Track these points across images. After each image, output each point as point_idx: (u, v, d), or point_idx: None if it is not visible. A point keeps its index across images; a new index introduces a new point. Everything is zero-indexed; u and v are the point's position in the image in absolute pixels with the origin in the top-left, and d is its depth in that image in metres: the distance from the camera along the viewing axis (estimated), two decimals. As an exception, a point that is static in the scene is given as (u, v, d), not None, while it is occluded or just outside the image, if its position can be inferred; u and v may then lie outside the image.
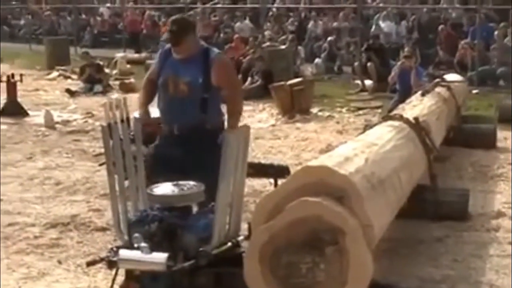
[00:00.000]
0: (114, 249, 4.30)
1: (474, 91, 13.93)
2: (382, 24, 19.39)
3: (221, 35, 22.48)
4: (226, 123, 5.61)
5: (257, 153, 9.43)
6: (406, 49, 15.14)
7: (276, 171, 7.16)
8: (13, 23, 30.93)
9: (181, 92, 5.52)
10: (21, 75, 13.91)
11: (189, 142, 5.43)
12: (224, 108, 5.76)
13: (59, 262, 5.79)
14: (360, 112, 13.11)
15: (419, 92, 9.15)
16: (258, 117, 12.93)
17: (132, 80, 16.80)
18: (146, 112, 5.76)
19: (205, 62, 5.55)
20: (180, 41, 5.57)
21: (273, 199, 4.16)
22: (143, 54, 21.56)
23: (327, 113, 12.94)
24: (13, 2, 32.58)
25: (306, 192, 4.05)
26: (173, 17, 5.81)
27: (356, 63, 16.58)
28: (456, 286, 5.26)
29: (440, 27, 18.15)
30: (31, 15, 30.04)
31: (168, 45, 5.78)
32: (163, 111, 5.67)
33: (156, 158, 5.57)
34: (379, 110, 12.74)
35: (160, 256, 4.07)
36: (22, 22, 30.22)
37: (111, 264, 4.28)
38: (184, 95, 5.51)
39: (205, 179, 4.67)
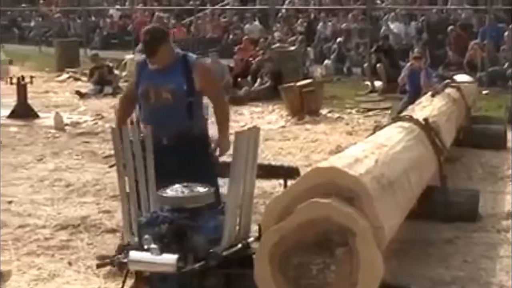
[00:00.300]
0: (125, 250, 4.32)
1: (484, 92, 13.91)
2: (391, 26, 19.36)
3: (231, 36, 22.50)
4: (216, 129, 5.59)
5: (267, 155, 9.44)
6: (416, 50, 15.13)
7: (286, 172, 7.16)
8: (23, 25, 31.04)
9: (165, 101, 5.39)
10: (31, 77, 13.97)
11: (179, 150, 5.31)
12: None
13: (70, 263, 5.81)
14: (370, 113, 13.11)
15: (429, 93, 9.15)
16: (267, 118, 12.94)
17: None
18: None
19: (185, 68, 5.43)
20: (155, 51, 5.39)
21: (283, 200, 4.17)
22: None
23: (336, 114, 12.94)
24: (23, 5, 32.66)
25: (316, 193, 4.05)
26: (145, 28, 5.68)
27: (365, 64, 16.57)
28: (466, 287, 5.25)
29: (450, 28, 18.11)
30: (41, 17, 30.12)
31: (143, 56, 5.63)
32: (147, 122, 5.38)
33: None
34: (389, 111, 12.73)
35: (170, 258, 4.07)
36: (32, 24, 30.31)
37: (121, 265, 4.29)
38: (169, 103, 5.39)
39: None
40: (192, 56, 5.64)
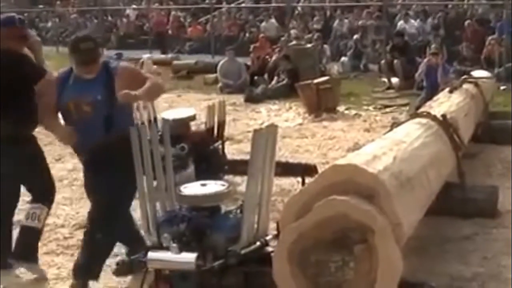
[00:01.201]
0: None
1: (502, 87, 13.83)
2: (404, 24, 19.27)
3: (247, 34, 22.51)
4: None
5: (284, 152, 9.43)
6: (433, 46, 15.07)
7: (304, 170, 7.18)
8: (41, 26, 31.17)
9: (85, 114, 5.07)
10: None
11: (96, 166, 5.09)
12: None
13: (89, 262, 5.83)
14: (387, 109, 13.06)
15: (447, 89, 9.10)
16: (285, 116, 12.93)
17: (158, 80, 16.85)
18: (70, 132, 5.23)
19: (106, 76, 5.12)
20: (96, 59, 5.16)
21: (302, 198, 4.16)
22: (169, 55, 21.65)
23: (353, 111, 12.91)
24: (40, 5, 32.82)
25: (334, 190, 4.05)
26: (81, 36, 5.37)
27: (382, 61, 16.52)
28: (486, 283, 5.23)
29: (467, 22, 18.03)
30: (58, 17, 30.25)
31: (65, 69, 5.36)
32: None
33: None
34: (406, 108, 12.69)
35: (189, 256, 4.09)
36: (49, 24, 30.44)
37: (141, 264, 4.31)
38: (88, 116, 5.07)
39: (101, 200, 4.89)
40: (113, 62, 5.37)
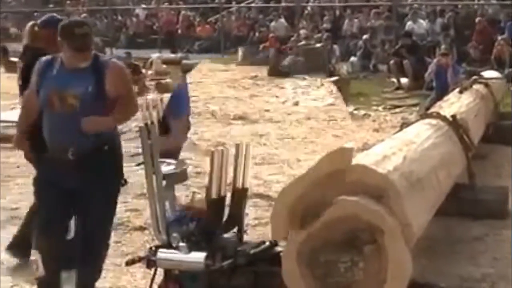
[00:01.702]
0: (153, 248, 4.35)
1: (512, 88, 13.79)
2: (413, 25, 19.22)
3: (256, 34, 22.51)
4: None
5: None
6: (442, 47, 15.05)
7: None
8: (50, 25, 31.20)
9: (71, 108, 4.60)
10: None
11: (86, 168, 4.64)
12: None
13: (98, 261, 5.83)
14: (397, 110, 13.05)
15: (457, 90, 9.08)
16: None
17: (168, 80, 16.89)
18: (22, 141, 4.96)
19: (96, 69, 4.66)
20: (91, 46, 4.69)
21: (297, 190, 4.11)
22: (179, 54, 21.67)
23: (363, 112, 12.90)
24: (50, 5, 32.89)
25: (343, 191, 4.03)
26: (74, 20, 4.97)
27: (391, 61, 16.51)
28: (496, 284, 5.21)
29: (477, 19, 17.96)
30: (68, 17, 30.27)
31: (47, 57, 4.84)
32: (50, 133, 4.72)
33: (47, 191, 4.82)
34: (416, 108, 12.66)
35: (199, 256, 4.09)
36: (59, 24, 30.51)
37: (150, 263, 4.32)
38: (75, 111, 4.59)
39: (98, 210, 4.69)
40: (104, 56, 5.01)
